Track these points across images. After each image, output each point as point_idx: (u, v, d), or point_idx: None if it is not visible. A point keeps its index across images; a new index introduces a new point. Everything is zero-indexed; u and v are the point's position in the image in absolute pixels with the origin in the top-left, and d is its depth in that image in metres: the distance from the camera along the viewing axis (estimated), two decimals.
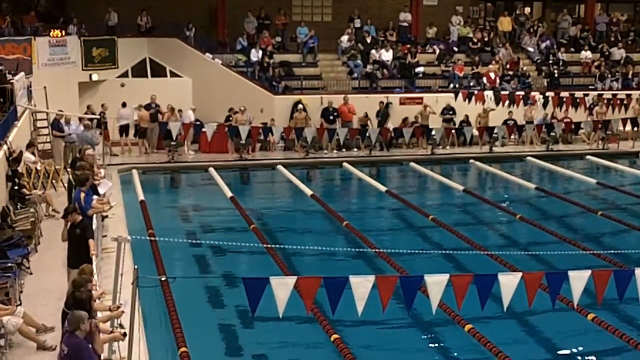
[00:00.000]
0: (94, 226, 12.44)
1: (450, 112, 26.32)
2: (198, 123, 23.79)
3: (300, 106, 25.61)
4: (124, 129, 24.16)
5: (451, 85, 28.13)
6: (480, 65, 29.28)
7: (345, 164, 23.70)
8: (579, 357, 11.01)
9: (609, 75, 29.66)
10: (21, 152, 17.68)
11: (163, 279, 11.04)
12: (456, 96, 26.11)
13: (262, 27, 28.91)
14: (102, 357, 8.44)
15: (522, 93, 26.65)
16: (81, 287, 8.75)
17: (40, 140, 21.90)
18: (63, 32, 24.85)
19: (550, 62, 30.35)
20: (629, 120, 25.43)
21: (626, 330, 11.07)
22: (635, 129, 25.87)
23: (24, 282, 12.14)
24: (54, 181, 18.62)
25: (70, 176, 15.48)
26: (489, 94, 26.29)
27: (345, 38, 29.15)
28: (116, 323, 9.44)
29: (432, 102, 26.53)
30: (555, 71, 29.66)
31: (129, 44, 26.53)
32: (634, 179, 22.84)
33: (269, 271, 12.50)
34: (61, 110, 22.01)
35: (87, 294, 8.62)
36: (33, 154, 18.87)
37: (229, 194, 19.18)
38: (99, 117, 22.72)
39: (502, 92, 26.60)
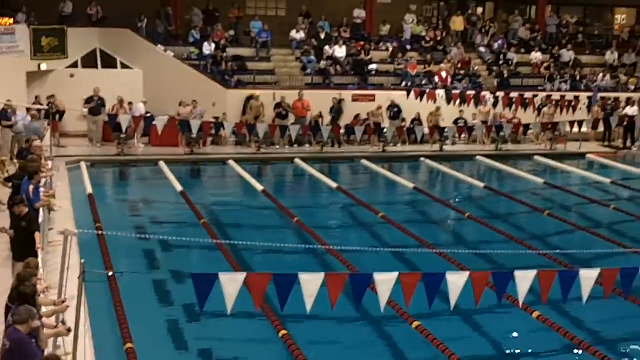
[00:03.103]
0: (40, 219, 12.26)
1: (395, 110, 26.47)
2: (149, 116, 23.53)
3: (257, 94, 25.54)
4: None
5: (404, 83, 28.31)
6: (433, 64, 29.53)
7: (297, 160, 23.69)
8: (524, 354, 11.19)
9: (558, 77, 30.15)
10: None
11: (110, 274, 10.93)
12: (408, 94, 26.27)
13: (212, 20, 28.71)
14: (45, 352, 8.30)
15: (473, 92, 26.97)
16: (26, 281, 8.58)
17: None
18: (12, 20, 24.34)
19: (501, 62, 30.73)
20: (576, 122, 25.86)
21: (570, 328, 11.27)
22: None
23: None
24: None
25: (19, 167, 15.23)
26: (440, 92, 26.54)
27: (295, 33, 29.12)
28: (60, 318, 9.31)
29: (384, 100, 26.66)
30: (506, 71, 30.05)
31: (80, 34, 26.10)
32: (580, 179, 23.27)
33: (218, 267, 12.44)
34: (9, 100, 21.59)
35: (32, 288, 8.46)
36: None
37: (179, 188, 19.03)
38: (47, 107, 22.35)
39: (454, 91, 26.88)
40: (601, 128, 27.73)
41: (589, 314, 11.93)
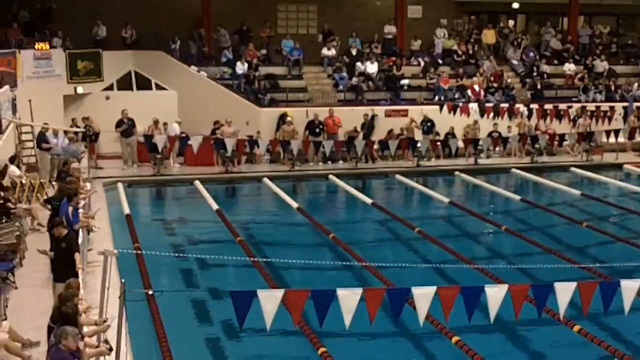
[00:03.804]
0: (79, 240, 12.41)
1: (429, 124, 26.41)
2: (184, 136, 23.74)
3: (288, 119, 25.64)
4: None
5: (436, 98, 28.25)
6: (465, 77, 29.44)
7: (331, 176, 23.72)
8: None
9: (592, 87, 29.87)
10: (6, 165, 17.60)
11: (150, 292, 11.02)
12: (441, 108, 26.25)
13: (244, 40, 28.95)
14: None
15: (507, 105, 26.82)
16: (67, 302, 8.70)
17: (25, 154, 21.82)
18: (48, 45, 24.78)
19: (534, 74, 30.55)
20: (612, 132, 25.61)
21: (612, 341, 11.11)
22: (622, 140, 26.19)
23: (9, 296, 12.04)
24: (38, 195, 18.52)
25: (57, 189, 15.45)
26: (473, 106, 26.45)
27: (326, 50, 29.26)
28: (102, 338, 9.40)
29: (417, 114, 26.61)
30: (539, 83, 29.85)
31: (114, 56, 26.49)
32: (617, 190, 23.01)
33: (255, 284, 12.49)
34: (46, 124, 21.94)
35: (74, 308, 8.57)
36: (18, 167, 18.78)
37: (215, 206, 19.15)
38: (83, 130, 22.66)
39: (487, 104, 26.78)
40: (638, 138, 27.41)
41: (631, 326, 11.76)
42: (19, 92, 22.42)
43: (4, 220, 15.29)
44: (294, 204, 19.77)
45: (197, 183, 22.09)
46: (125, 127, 24.08)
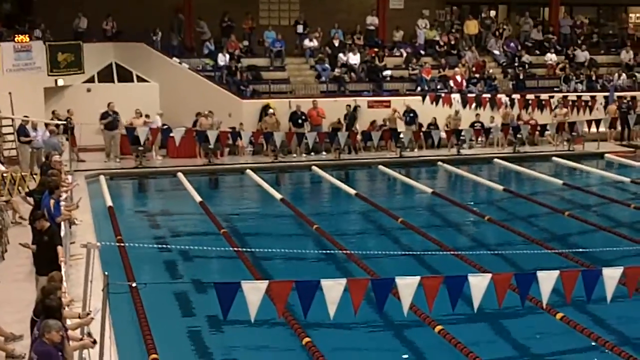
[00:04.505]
0: (62, 233, 12.35)
1: (412, 115, 26.42)
2: (166, 128, 23.63)
3: (270, 110, 25.57)
4: None
5: (419, 88, 28.28)
6: (447, 68, 29.48)
7: (314, 167, 23.71)
8: (548, 356, 11.11)
9: (574, 78, 30.01)
10: None
11: (134, 285, 10.98)
12: (423, 99, 26.28)
13: (226, 31, 28.83)
14: None
15: (489, 95, 26.89)
16: (51, 295, 8.63)
17: (5, 147, 21.64)
18: (28, 37, 24.57)
19: (516, 64, 30.64)
20: (593, 122, 25.75)
21: (594, 328, 11.20)
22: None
23: None
24: (20, 188, 18.37)
25: (39, 182, 15.35)
26: (456, 96, 26.50)
27: (308, 41, 29.21)
28: (85, 331, 9.36)
29: (400, 105, 26.63)
30: (521, 73, 29.94)
31: (95, 49, 26.35)
32: (599, 179, 23.16)
33: (239, 275, 12.47)
34: (27, 116, 21.78)
35: (58, 301, 8.51)
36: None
37: (198, 198, 19.10)
38: (65, 122, 22.51)
39: (469, 95, 26.84)
40: (619, 127, 27.59)
41: (614, 314, 11.86)
42: None
43: None
44: (278, 195, 19.76)
45: (180, 175, 22.00)
46: (111, 119, 23.89)
